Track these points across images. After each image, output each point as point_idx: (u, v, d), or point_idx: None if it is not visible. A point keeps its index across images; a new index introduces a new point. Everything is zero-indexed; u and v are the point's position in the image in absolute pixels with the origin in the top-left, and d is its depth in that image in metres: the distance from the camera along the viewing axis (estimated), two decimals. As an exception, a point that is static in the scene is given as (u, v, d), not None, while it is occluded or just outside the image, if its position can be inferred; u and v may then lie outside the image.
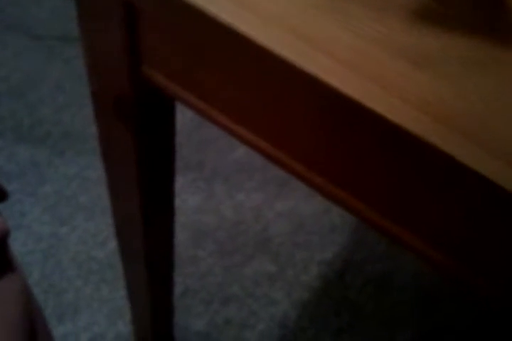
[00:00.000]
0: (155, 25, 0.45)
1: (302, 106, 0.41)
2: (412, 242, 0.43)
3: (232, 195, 1.34)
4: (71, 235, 1.25)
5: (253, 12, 0.39)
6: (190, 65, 0.46)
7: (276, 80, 0.40)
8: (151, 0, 0.41)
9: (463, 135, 0.36)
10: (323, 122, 0.42)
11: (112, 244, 1.24)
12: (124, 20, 0.45)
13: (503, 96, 0.38)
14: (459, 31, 0.41)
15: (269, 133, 0.46)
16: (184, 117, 1.36)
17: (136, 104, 0.53)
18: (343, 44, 0.39)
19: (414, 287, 1.24)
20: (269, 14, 0.39)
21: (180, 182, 1.34)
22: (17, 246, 1.23)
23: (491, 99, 0.38)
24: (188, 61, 0.46)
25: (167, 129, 0.60)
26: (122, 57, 0.48)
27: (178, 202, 1.32)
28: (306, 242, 1.30)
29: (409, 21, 0.41)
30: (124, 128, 0.56)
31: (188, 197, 1.33)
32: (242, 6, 0.39)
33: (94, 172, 1.32)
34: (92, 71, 0.53)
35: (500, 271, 0.40)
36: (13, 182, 1.30)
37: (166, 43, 0.46)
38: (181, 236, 1.27)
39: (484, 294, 0.42)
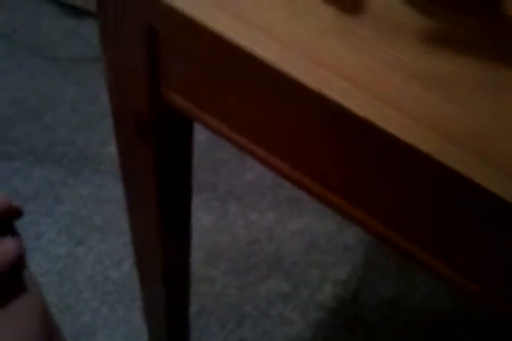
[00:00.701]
0: (175, 48, 0.47)
1: (318, 126, 0.42)
2: (429, 262, 0.44)
3: (245, 214, 1.35)
4: (87, 255, 1.26)
5: (269, 36, 0.40)
6: (208, 87, 0.47)
7: (292, 102, 0.41)
8: (172, 25, 0.42)
9: (475, 155, 0.37)
10: (338, 142, 0.43)
11: (128, 264, 1.25)
12: (146, 43, 0.46)
13: (509, 115, 0.39)
14: (469, 54, 0.42)
15: (286, 152, 0.47)
16: (197, 139, 1.38)
17: (156, 124, 0.54)
18: (356, 66, 0.40)
19: (427, 308, 1.24)
20: (286, 38, 0.40)
21: (194, 201, 1.34)
22: (33, 267, 1.24)
23: (502, 121, 0.39)
24: (207, 83, 0.47)
25: (185, 149, 0.62)
26: (143, 78, 0.50)
27: (192, 221, 1.34)
28: (319, 261, 1.31)
29: (420, 45, 0.42)
30: (144, 147, 0.57)
31: (202, 217, 1.34)
32: (259, 30, 0.40)
33: (109, 192, 1.34)
34: (113, 91, 0.55)
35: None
36: (29, 203, 1.32)
37: (185, 66, 0.48)
38: (195, 255, 1.28)
39: (505, 315, 0.42)
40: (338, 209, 0.47)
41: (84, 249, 1.27)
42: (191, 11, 0.40)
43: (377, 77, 0.40)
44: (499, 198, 0.35)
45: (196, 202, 1.35)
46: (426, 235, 0.43)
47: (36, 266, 1.25)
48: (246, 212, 1.36)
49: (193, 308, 1.20)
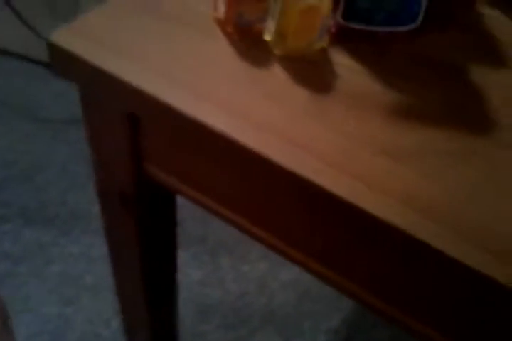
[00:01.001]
0: (155, 129, 0.49)
1: (293, 201, 0.44)
2: (410, 324, 0.45)
3: (236, 266, 1.35)
4: (77, 315, 1.25)
5: (246, 120, 0.42)
6: (188, 163, 0.50)
7: (268, 179, 0.43)
8: (148, 110, 0.44)
9: (442, 224, 0.39)
10: (313, 216, 0.45)
11: (117, 322, 1.24)
12: (128, 126, 0.49)
13: (479, 185, 0.41)
14: (435, 124, 0.45)
15: (265, 222, 0.49)
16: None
17: (139, 197, 0.56)
18: (328, 145, 0.42)
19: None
20: (261, 121, 0.43)
21: (183, 256, 1.34)
22: (24, 328, 1.23)
23: (465, 187, 0.41)
24: (187, 160, 0.50)
25: (168, 217, 0.63)
26: (125, 155, 0.52)
27: (181, 276, 1.33)
28: (311, 311, 1.30)
29: (389, 118, 0.45)
30: (128, 219, 0.59)
31: (192, 272, 1.33)
32: (233, 113, 0.43)
33: (99, 251, 1.34)
34: (97, 167, 0.57)
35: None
36: (19, 264, 1.32)
37: (166, 144, 0.50)
38: (186, 311, 1.27)
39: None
40: (310, 270, 0.49)
41: (74, 308, 1.26)
42: (171, 100, 0.43)
43: (349, 154, 0.42)
44: (473, 270, 0.37)
45: (185, 256, 1.35)
46: (407, 301, 0.45)
47: (27, 328, 1.24)
48: (237, 264, 1.36)
49: (186, 365, 1.19)
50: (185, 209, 1.40)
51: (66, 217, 1.41)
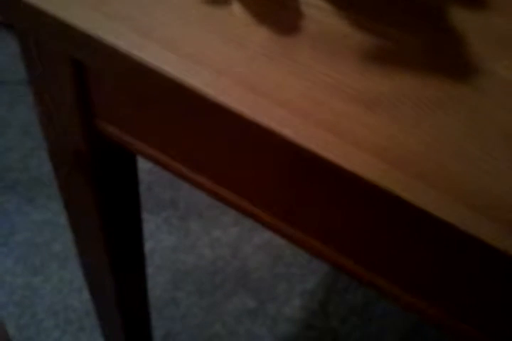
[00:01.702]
0: (103, 79, 0.45)
1: (257, 153, 0.41)
2: (391, 289, 0.43)
3: (208, 231, 1.33)
4: (45, 285, 1.22)
5: (202, 65, 0.38)
6: (142, 117, 0.45)
7: (229, 130, 0.39)
8: (94, 56, 0.40)
9: (420, 179, 0.36)
10: (280, 171, 0.41)
11: (88, 292, 1.22)
12: (73, 76, 0.44)
13: (457, 135, 0.38)
14: (411, 70, 0.41)
15: (228, 180, 0.46)
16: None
17: (94, 157, 0.52)
18: (295, 92, 0.38)
19: (397, 312, 1.23)
20: (219, 66, 0.38)
21: (154, 221, 1.32)
22: (-10, 299, 1.20)
23: (446, 140, 0.38)
24: (140, 113, 0.45)
25: (129, 178, 0.59)
26: (74, 112, 0.48)
27: (153, 243, 1.31)
28: (285, 274, 1.29)
29: (361, 63, 0.41)
30: (84, 179, 0.55)
31: (164, 238, 1.31)
32: (190, 59, 0.38)
33: (65, 218, 1.30)
34: (46, 126, 0.52)
35: (486, 320, 0.40)
36: (-17, 233, 1.27)
37: (117, 96, 0.46)
38: (158, 278, 1.25)
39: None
40: (291, 239, 0.46)
41: (42, 278, 1.23)
42: (116, 42, 0.38)
43: (317, 102, 0.38)
44: (445, 222, 0.34)
45: (157, 221, 1.33)
46: (387, 264, 0.42)
47: (-7, 298, 1.20)
48: (209, 228, 1.34)
49: (159, 332, 1.17)
50: (154, 174, 1.38)
51: (29, 183, 1.37)
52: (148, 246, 1.30)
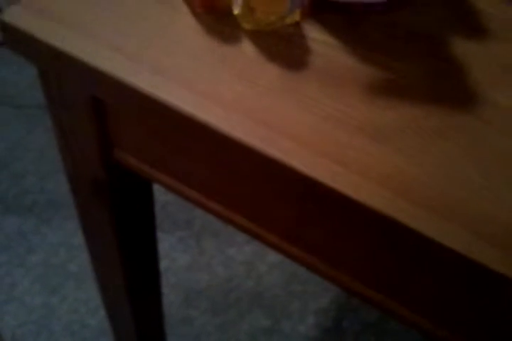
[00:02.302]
0: (121, 112, 0.47)
1: (268, 185, 0.42)
2: (400, 312, 0.44)
3: (222, 250, 1.34)
4: (62, 304, 1.24)
5: (214, 101, 0.40)
6: (160, 148, 0.47)
7: (241, 162, 0.41)
8: (113, 93, 0.42)
9: (423, 207, 0.37)
10: (289, 199, 0.43)
11: (104, 311, 1.23)
12: (93, 110, 0.46)
13: (459, 163, 0.39)
14: (414, 101, 0.43)
15: (240, 207, 0.47)
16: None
17: (112, 185, 0.54)
18: (303, 125, 0.40)
19: (411, 329, 1.23)
20: (230, 101, 0.40)
21: (168, 241, 1.33)
22: (8, 319, 1.22)
23: (448, 168, 0.39)
24: (157, 145, 0.47)
25: (145, 204, 0.61)
26: (93, 142, 0.50)
27: (167, 262, 1.32)
28: (300, 292, 1.30)
29: (366, 96, 0.42)
30: (101, 205, 0.57)
31: (178, 256, 1.32)
32: (203, 96, 0.40)
33: (81, 239, 1.32)
34: (65, 155, 0.55)
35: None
36: (1, 254, 1.30)
37: (135, 129, 0.48)
38: (173, 296, 1.26)
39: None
40: (304, 264, 0.47)
41: (59, 297, 1.25)
42: (131, 79, 0.40)
43: (324, 135, 0.40)
44: (448, 249, 0.35)
45: (171, 241, 1.34)
46: (395, 288, 0.43)
47: (12, 318, 1.22)
48: (223, 247, 1.35)
49: (174, 351, 1.18)
50: (170, 194, 1.39)
51: (45, 205, 1.39)
52: (162, 265, 1.31)
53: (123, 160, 0.50)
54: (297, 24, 0.46)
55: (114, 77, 0.40)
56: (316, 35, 0.45)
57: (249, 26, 0.44)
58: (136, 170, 0.51)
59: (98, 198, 0.56)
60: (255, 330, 1.22)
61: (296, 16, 0.45)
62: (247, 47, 0.43)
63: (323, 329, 1.24)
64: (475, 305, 0.39)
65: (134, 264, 0.66)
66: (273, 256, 1.33)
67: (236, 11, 0.44)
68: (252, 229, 0.48)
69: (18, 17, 0.42)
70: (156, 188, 1.47)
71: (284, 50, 0.44)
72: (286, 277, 1.31)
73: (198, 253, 1.32)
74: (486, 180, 0.38)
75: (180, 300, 1.26)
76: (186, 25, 0.43)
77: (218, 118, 0.39)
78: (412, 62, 0.45)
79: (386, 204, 0.37)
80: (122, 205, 0.57)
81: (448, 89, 0.43)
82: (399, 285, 0.43)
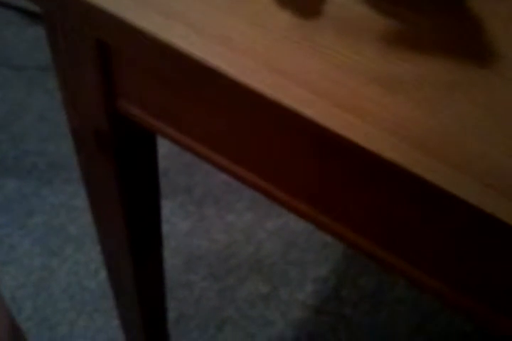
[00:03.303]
0: (127, 60, 0.45)
1: (278, 134, 0.41)
2: (407, 271, 0.43)
3: (222, 216, 1.34)
4: (62, 266, 1.24)
5: (225, 46, 0.39)
6: (165, 97, 0.46)
7: (251, 111, 0.40)
8: (121, 36, 0.41)
9: (440, 159, 0.36)
10: (301, 150, 0.42)
11: (104, 274, 1.23)
12: (98, 56, 0.45)
13: (477, 117, 0.38)
14: (431, 54, 0.42)
15: (249, 161, 0.46)
16: (169, 141, 1.36)
17: (116, 138, 0.53)
18: (316, 73, 0.39)
19: (409, 299, 1.24)
20: (242, 47, 0.39)
21: (169, 206, 1.33)
22: (8, 280, 1.22)
23: (466, 122, 0.38)
24: (164, 94, 0.46)
25: (149, 160, 0.60)
26: (98, 92, 0.49)
27: (168, 227, 1.32)
28: (299, 260, 1.30)
29: (382, 47, 0.41)
30: (106, 160, 0.56)
31: (178, 222, 1.32)
32: (214, 40, 0.39)
33: (82, 201, 1.32)
34: (69, 107, 0.53)
35: (500, 300, 0.40)
36: (1, 215, 1.29)
37: (140, 77, 0.46)
38: (173, 261, 1.27)
39: (485, 321, 0.42)
40: (311, 220, 0.46)
41: (59, 259, 1.25)
42: (140, 22, 0.39)
43: (339, 84, 0.39)
44: (469, 204, 0.35)
45: (172, 206, 1.34)
46: (404, 245, 0.43)
47: (11, 279, 1.22)
48: (223, 213, 1.35)
49: (172, 314, 1.19)
50: (169, 160, 1.38)
51: (46, 167, 1.38)
52: (163, 230, 1.31)
53: (127, 110, 0.49)
54: (312, -29, 0.44)
55: (121, 18, 0.38)
56: (331, -17, 0.43)
57: (262, -29, 0.42)
58: (141, 121, 0.49)
59: (102, 152, 0.55)
60: (254, 297, 1.23)
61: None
62: (260, -7, 0.42)
63: (322, 298, 1.24)
64: (486, 258, 0.39)
65: (137, 222, 0.65)
66: (273, 224, 1.33)
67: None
68: (259, 184, 0.47)
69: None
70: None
71: (299, -3, 0.42)
72: (286, 245, 1.31)
73: (198, 219, 1.32)
74: (504, 136, 0.37)
75: (180, 265, 1.26)
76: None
77: (229, 64, 0.38)
78: (433, 18, 0.43)
79: (401, 156, 0.36)
80: (126, 159, 0.56)
81: (468, 45, 0.42)
82: (410, 242, 0.42)
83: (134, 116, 0.49)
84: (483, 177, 0.35)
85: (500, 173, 0.36)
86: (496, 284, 0.40)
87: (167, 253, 1.27)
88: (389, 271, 0.44)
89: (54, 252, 1.26)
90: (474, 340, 1.20)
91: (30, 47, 1.56)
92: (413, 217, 0.40)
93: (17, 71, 1.52)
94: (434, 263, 0.42)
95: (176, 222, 1.32)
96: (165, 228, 1.30)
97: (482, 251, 0.38)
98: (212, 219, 1.33)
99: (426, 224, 0.40)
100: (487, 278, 0.40)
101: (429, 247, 0.41)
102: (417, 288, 0.45)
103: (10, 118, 1.45)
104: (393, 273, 0.44)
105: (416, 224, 0.40)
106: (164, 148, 1.34)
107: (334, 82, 0.39)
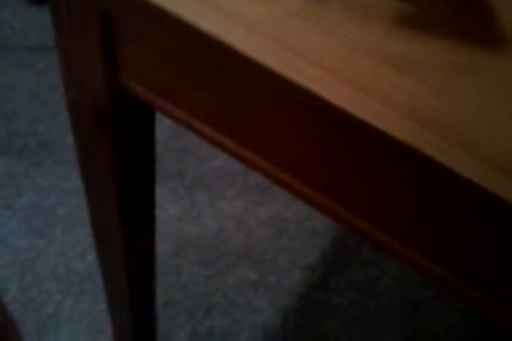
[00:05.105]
0: (133, 35, 0.44)
1: (286, 113, 0.41)
2: (404, 252, 0.43)
3: (213, 203, 1.33)
4: (49, 247, 1.23)
5: (235, 21, 0.38)
6: (170, 74, 0.45)
7: (258, 88, 0.39)
8: (129, 9, 0.40)
9: (448, 139, 0.36)
10: (308, 129, 0.41)
11: (91, 256, 1.22)
12: (101, 30, 0.44)
13: (486, 101, 0.38)
14: (441, 36, 0.41)
15: (252, 140, 0.46)
16: (162, 126, 1.35)
17: (115, 114, 0.52)
18: (326, 51, 0.38)
19: (397, 290, 1.24)
20: (252, 23, 0.38)
21: (160, 191, 1.32)
22: (-6, 259, 1.21)
23: (475, 104, 0.38)
24: (169, 71, 0.45)
25: (147, 138, 0.59)
26: (99, 67, 0.47)
27: (158, 211, 1.31)
28: (288, 248, 1.30)
29: (392, 27, 0.41)
30: (102, 137, 0.55)
31: (169, 207, 1.31)
32: (224, 15, 0.38)
33: (71, 183, 1.31)
34: (67, 81, 0.52)
35: (495, 283, 0.40)
36: (-11, 194, 1.28)
37: (144, 53, 0.45)
38: (163, 245, 1.26)
39: (482, 306, 0.42)
40: (309, 200, 0.46)
41: (46, 240, 1.24)
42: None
43: (348, 62, 0.38)
44: (474, 184, 0.35)
45: (163, 191, 1.33)
46: (405, 227, 0.42)
47: (-3, 259, 1.21)
48: (214, 200, 1.34)
49: (160, 299, 1.18)
50: (162, 145, 1.37)
51: (36, 148, 1.37)
52: (153, 214, 1.30)
53: (129, 86, 0.48)
54: None
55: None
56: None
57: None
58: (143, 98, 0.48)
59: (98, 128, 0.54)
60: (242, 283, 1.23)
61: None
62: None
63: (309, 286, 1.25)
64: (490, 240, 0.38)
65: (130, 200, 0.65)
66: (263, 212, 1.33)
67: None
68: (258, 163, 0.46)
69: None
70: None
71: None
72: (276, 232, 1.31)
73: (189, 204, 1.31)
74: (513, 120, 0.37)
75: (170, 250, 1.25)
76: None
77: (239, 39, 0.37)
78: (445, 2, 0.43)
79: (410, 135, 0.35)
80: (123, 136, 0.55)
81: (476, 28, 0.42)
82: (414, 225, 0.42)
83: (136, 93, 0.48)
84: (494, 160, 0.35)
85: (509, 156, 0.35)
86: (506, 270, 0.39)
87: (157, 238, 1.26)
88: (392, 255, 0.44)
89: (41, 233, 1.25)
90: (460, 331, 1.21)
91: (24, 28, 1.54)
92: (422, 200, 0.40)
93: (8, 51, 1.50)
94: (438, 247, 0.41)
95: (167, 206, 1.32)
96: (155, 212, 1.30)
97: (490, 236, 0.38)
98: (204, 205, 1.33)
99: (434, 208, 0.39)
100: (494, 264, 0.39)
101: (438, 230, 0.41)
102: (424, 277, 0.44)
103: (0, 99, 1.43)
104: (394, 257, 0.44)
105: (427, 207, 0.40)
106: (157, 132, 1.33)
107: (344, 60, 0.38)
